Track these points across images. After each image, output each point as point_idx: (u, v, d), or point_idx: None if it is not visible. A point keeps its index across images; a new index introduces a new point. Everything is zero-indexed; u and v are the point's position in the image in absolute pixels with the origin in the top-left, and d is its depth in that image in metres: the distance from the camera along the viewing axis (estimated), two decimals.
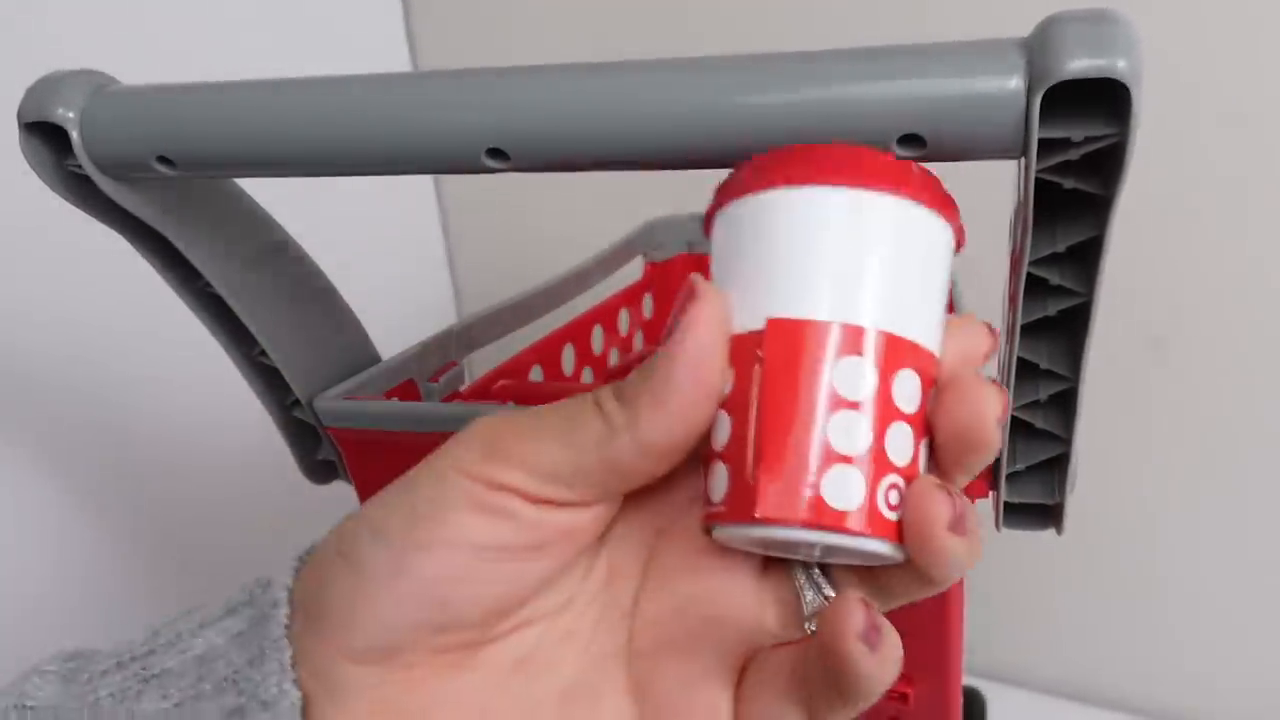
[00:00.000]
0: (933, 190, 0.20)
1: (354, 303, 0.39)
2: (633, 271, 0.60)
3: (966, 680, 0.35)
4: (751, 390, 0.19)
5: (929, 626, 0.32)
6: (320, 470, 0.39)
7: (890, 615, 0.20)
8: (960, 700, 0.36)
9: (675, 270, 0.62)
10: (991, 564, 0.37)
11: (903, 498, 0.19)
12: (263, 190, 0.33)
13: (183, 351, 0.38)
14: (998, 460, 0.29)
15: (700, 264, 0.62)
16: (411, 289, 0.75)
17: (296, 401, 0.36)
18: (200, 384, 0.46)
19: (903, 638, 0.19)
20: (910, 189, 0.20)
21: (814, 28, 0.60)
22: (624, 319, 0.59)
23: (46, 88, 0.27)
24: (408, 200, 0.75)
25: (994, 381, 0.20)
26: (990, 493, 0.31)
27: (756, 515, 0.19)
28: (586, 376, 0.54)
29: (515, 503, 0.20)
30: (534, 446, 0.20)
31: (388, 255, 0.72)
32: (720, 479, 0.20)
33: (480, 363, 0.50)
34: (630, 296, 0.59)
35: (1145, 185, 0.21)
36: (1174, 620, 0.63)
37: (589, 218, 0.62)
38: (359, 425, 0.35)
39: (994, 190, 0.34)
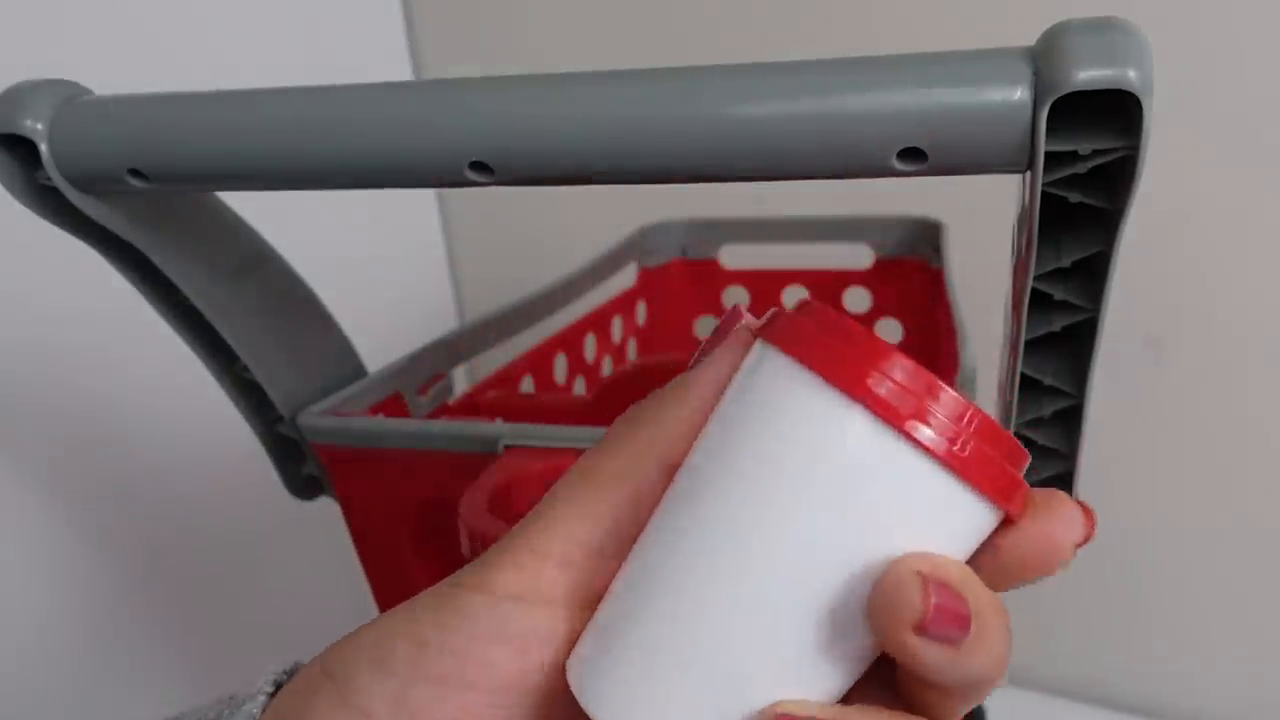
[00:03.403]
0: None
1: (355, 311, 0.38)
2: (626, 278, 0.59)
3: None
4: None
5: None
6: (305, 486, 0.38)
7: None
8: None
9: (669, 276, 0.61)
10: None
11: None
12: (260, 197, 0.32)
13: (175, 365, 0.37)
14: None
15: (695, 269, 0.61)
16: (413, 297, 0.74)
17: (280, 417, 0.35)
18: (195, 397, 0.46)
19: None
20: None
21: (811, 38, 0.59)
22: (617, 326, 0.58)
23: (13, 98, 0.26)
24: (409, 207, 0.74)
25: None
26: None
27: None
28: (579, 386, 0.54)
29: (552, 622, 0.18)
30: (574, 508, 0.18)
31: (389, 263, 0.71)
32: None
33: (484, 368, 0.49)
34: (623, 303, 0.58)
35: (1141, 185, 0.20)
36: (1173, 620, 0.63)
37: (597, 220, 0.61)
38: (343, 442, 0.35)
39: (993, 194, 0.33)
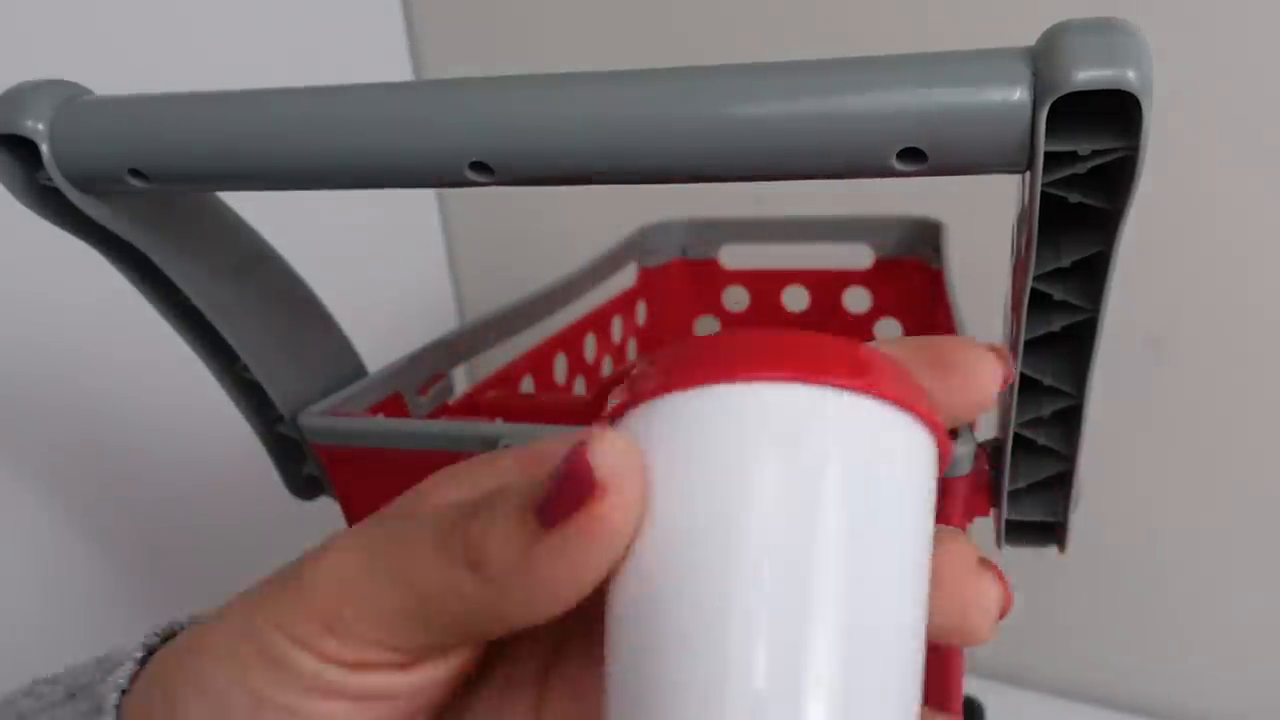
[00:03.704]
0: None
1: (355, 311, 0.38)
2: (626, 278, 0.59)
3: (967, 682, 0.34)
4: None
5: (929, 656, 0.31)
6: (306, 486, 0.38)
7: None
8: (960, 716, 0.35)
9: (669, 276, 0.61)
10: None
11: None
12: (260, 197, 0.32)
13: (175, 365, 0.37)
14: (999, 478, 0.29)
15: (695, 269, 0.61)
16: (413, 297, 0.74)
17: (280, 417, 0.35)
18: (195, 397, 0.46)
19: None
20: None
21: (811, 38, 0.59)
22: (617, 326, 0.58)
23: (14, 98, 0.26)
24: (409, 207, 0.74)
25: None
26: (991, 510, 0.30)
27: None
28: (579, 386, 0.54)
29: (389, 679, 0.18)
30: (385, 620, 0.17)
31: (389, 263, 0.71)
32: None
33: (484, 368, 0.49)
34: (623, 303, 0.58)
35: (1141, 185, 0.20)
36: (1174, 620, 0.63)
37: (597, 220, 0.61)
38: (343, 442, 0.34)
39: (993, 194, 0.33)
